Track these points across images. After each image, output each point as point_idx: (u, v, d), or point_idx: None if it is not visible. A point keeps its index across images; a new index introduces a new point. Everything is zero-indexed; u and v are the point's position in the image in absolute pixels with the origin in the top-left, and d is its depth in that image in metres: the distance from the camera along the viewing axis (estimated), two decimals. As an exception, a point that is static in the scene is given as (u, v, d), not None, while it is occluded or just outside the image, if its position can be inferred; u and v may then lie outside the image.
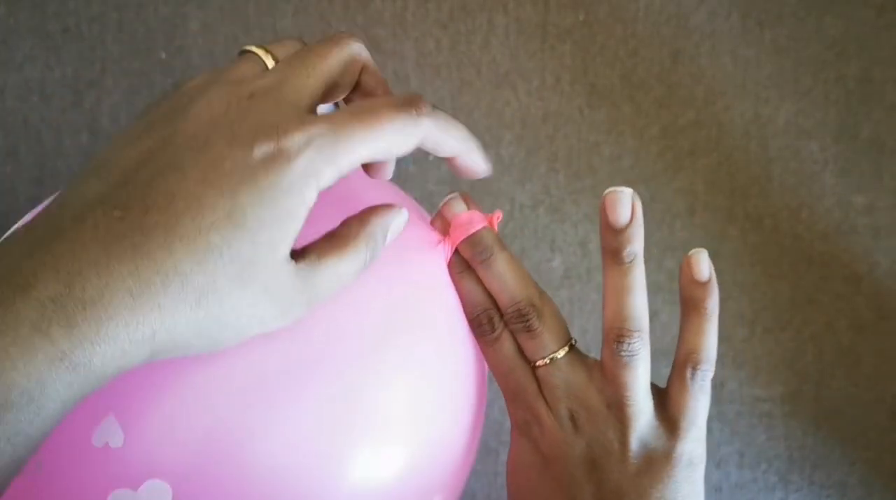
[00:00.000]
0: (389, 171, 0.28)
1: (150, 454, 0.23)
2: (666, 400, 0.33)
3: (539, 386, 0.32)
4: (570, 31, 0.72)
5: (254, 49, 0.25)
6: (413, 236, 0.31)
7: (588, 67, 0.72)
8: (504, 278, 0.32)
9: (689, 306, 0.33)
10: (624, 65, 0.72)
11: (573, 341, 0.33)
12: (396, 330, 0.29)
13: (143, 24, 0.73)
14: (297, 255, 0.24)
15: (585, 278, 0.70)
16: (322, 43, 0.25)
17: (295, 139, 0.22)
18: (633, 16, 0.72)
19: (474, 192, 0.71)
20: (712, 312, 0.33)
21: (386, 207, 0.27)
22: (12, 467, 0.19)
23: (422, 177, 0.71)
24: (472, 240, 0.32)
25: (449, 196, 0.34)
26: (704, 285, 0.32)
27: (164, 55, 0.72)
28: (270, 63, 0.25)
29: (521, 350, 0.33)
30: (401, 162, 0.71)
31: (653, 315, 0.67)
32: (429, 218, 0.35)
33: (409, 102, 0.24)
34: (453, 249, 0.32)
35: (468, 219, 0.32)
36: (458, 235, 0.32)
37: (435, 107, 0.25)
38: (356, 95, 0.27)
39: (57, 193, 0.22)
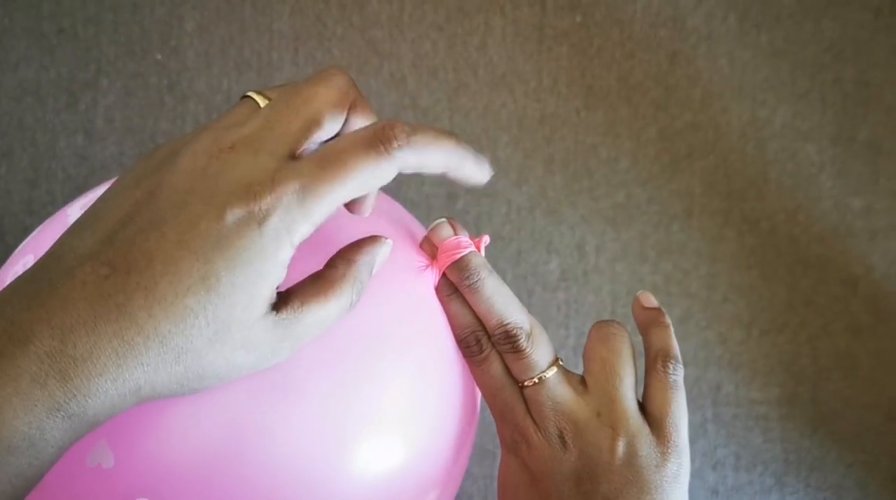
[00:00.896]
0: (368, 206, 0.28)
1: (138, 475, 0.25)
2: (647, 401, 0.34)
3: (527, 405, 0.33)
4: (567, 33, 0.72)
5: (251, 94, 0.25)
6: (402, 260, 0.32)
7: (585, 69, 0.72)
8: (491, 301, 0.33)
9: (648, 323, 0.36)
10: (621, 67, 0.72)
11: (559, 360, 0.34)
12: (388, 340, 0.30)
13: (139, 25, 0.72)
14: (280, 302, 0.24)
15: (582, 280, 0.70)
16: (309, 83, 0.25)
17: (265, 202, 0.22)
18: (630, 18, 0.72)
19: (471, 194, 0.71)
20: (669, 324, 0.36)
21: (371, 240, 0.27)
22: None
23: (418, 179, 0.71)
24: (460, 265, 0.33)
25: (436, 221, 0.34)
26: (656, 308, 0.36)
27: (159, 56, 0.72)
28: (263, 102, 0.25)
29: (508, 370, 0.34)
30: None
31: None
32: (419, 230, 0.36)
33: (379, 138, 0.24)
34: (441, 273, 0.33)
35: (455, 244, 0.33)
36: (446, 260, 0.33)
37: (413, 128, 0.25)
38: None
39: (57, 240, 0.23)
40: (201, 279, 0.21)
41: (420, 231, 0.36)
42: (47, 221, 0.35)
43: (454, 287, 0.33)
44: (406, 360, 0.30)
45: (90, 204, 0.25)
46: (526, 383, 0.33)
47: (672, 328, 0.35)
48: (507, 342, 0.33)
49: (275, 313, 0.23)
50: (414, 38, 0.72)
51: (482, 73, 0.71)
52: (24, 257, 0.32)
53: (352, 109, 0.26)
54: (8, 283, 0.29)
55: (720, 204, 0.71)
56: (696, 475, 0.69)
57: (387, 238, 0.28)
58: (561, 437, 0.32)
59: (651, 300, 0.37)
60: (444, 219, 0.34)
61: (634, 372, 0.34)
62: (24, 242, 0.34)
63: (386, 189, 0.32)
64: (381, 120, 0.25)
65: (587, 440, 0.32)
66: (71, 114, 0.72)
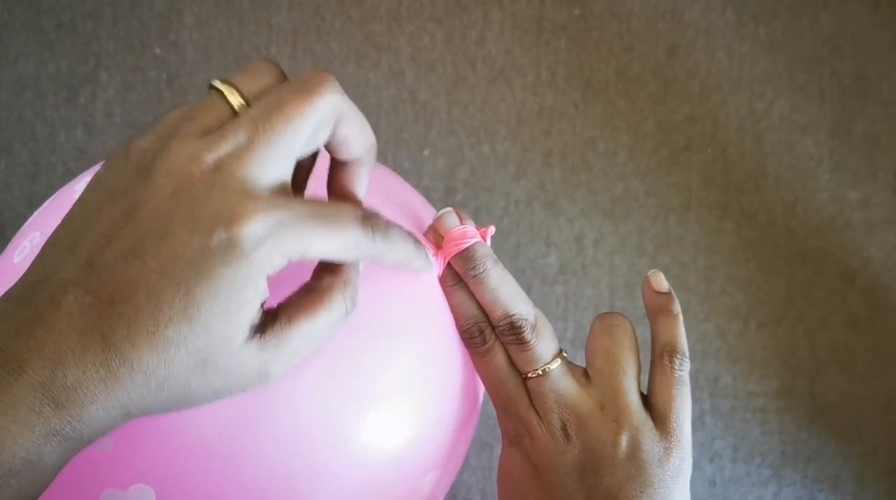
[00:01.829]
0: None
1: (136, 460, 0.26)
2: (651, 395, 0.34)
3: (530, 398, 0.33)
4: (565, 26, 0.72)
5: (218, 86, 0.24)
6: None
7: (583, 63, 0.72)
8: (497, 291, 0.33)
9: (657, 311, 0.35)
10: (619, 60, 0.72)
11: (563, 352, 0.34)
12: (389, 319, 0.30)
13: (138, 19, 0.72)
14: (267, 321, 0.24)
15: (580, 273, 0.70)
16: (296, 93, 0.23)
17: (255, 231, 0.22)
18: (629, 11, 0.72)
19: (470, 187, 0.71)
20: (678, 313, 0.35)
21: None
22: None
23: (416, 172, 0.71)
24: (466, 254, 0.33)
25: (442, 211, 0.34)
26: (667, 293, 0.35)
27: (158, 50, 0.72)
28: (236, 102, 0.24)
29: (512, 362, 0.34)
30: (396, 158, 0.71)
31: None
32: (426, 213, 0.35)
33: (370, 221, 0.24)
34: (446, 262, 0.33)
35: (461, 233, 0.33)
36: (451, 250, 0.33)
37: (388, 224, 0.25)
38: (331, 145, 0.26)
39: (36, 257, 0.23)
40: (182, 310, 0.21)
41: (427, 212, 0.36)
42: (55, 195, 0.35)
43: (458, 277, 0.33)
44: (408, 339, 0.30)
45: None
46: (530, 375, 0.33)
47: (681, 318, 0.35)
48: (511, 334, 0.33)
49: (259, 336, 0.23)
50: (412, 31, 0.72)
51: (480, 67, 0.71)
52: (31, 234, 0.32)
53: (340, 122, 0.25)
54: (14, 262, 0.29)
55: (718, 197, 0.71)
56: (693, 466, 0.69)
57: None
58: (564, 429, 0.32)
59: (662, 283, 0.36)
60: (450, 208, 0.34)
61: (638, 365, 0.33)
62: (31, 217, 0.35)
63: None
64: (369, 210, 0.25)
65: (591, 433, 0.32)
66: (70, 108, 0.72)
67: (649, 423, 0.32)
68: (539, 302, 0.70)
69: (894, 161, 0.71)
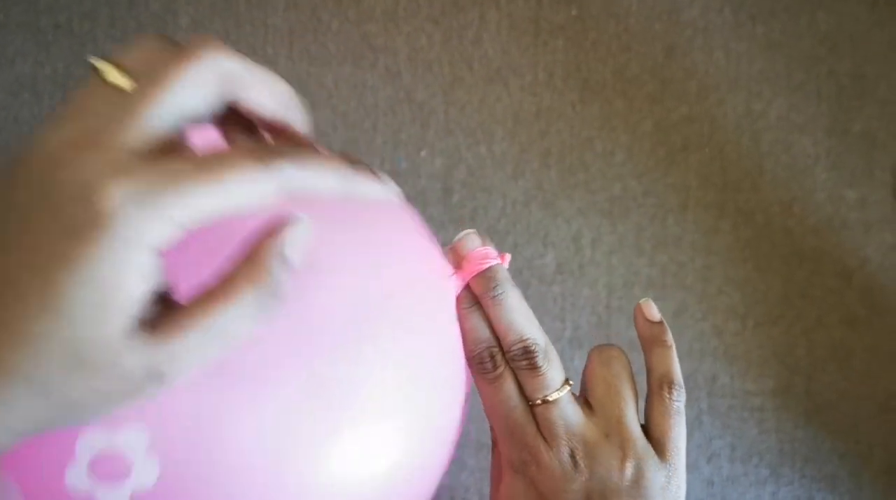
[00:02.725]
0: None
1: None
2: (649, 424, 0.34)
3: (537, 425, 0.33)
4: (562, 26, 0.72)
5: (96, 63, 0.21)
6: (425, 267, 0.32)
7: (581, 63, 0.72)
8: (512, 315, 0.33)
9: (651, 341, 0.36)
10: (617, 60, 0.72)
11: (569, 382, 0.34)
12: (367, 325, 0.29)
13: (135, 20, 0.72)
14: (160, 316, 0.21)
15: (578, 273, 0.70)
16: (174, 59, 0.21)
17: (110, 197, 0.19)
18: (626, 11, 0.72)
19: (467, 188, 0.71)
20: (671, 344, 0.35)
21: (276, 223, 0.22)
22: None
23: (414, 173, 0.71)
24: (487, 274, 0.33)
25: (465, 232, 0.34)
26: (659, 323, 0.36)
27: (155, 51, 0.72)
28: (115, 80, 0.21)
29: (520, 389, 0.34)
30: (393, 159, 0.71)
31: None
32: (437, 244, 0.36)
33: (266, 150, 0.21)
34: (465, 282, 0.33)
35: (483, 254, 0.33)
36: (473, 269, 0.33)
37: (296, 147, 0.22)
38: (252, 114, 0.23)
39: None
40: (45, 300, 0.19)
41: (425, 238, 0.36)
42: None
43: (474, 300, 0.33)
44: (388, 346, 0.29)
45: None
46: (538, 402, 0.33)
47: (674, 348, 0.35)
48: (524, 358, 0.33)
49: (151, 330, 0.20)
50: (409, 32, 0.72)
51: (477, 67, 0.71)
52: None
53: (240, 89, 0.22)
54: None
55: (715, 196, 0.71)
56: (691, 466, 0.69)
57: (301, 215, 0.22)
58: (573, 457, 0.32)
59: (654, 312, 0.36)
60: (472, 230, 0.34)
61: (636, 395, 0.34)
62: None
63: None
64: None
65: (598, 462, 0.32)
66: (67, 109, 0.72)
67: (651, 451, 0.33)
68: (537, 302, 0.70)
69: (891, 160, 0.71)
